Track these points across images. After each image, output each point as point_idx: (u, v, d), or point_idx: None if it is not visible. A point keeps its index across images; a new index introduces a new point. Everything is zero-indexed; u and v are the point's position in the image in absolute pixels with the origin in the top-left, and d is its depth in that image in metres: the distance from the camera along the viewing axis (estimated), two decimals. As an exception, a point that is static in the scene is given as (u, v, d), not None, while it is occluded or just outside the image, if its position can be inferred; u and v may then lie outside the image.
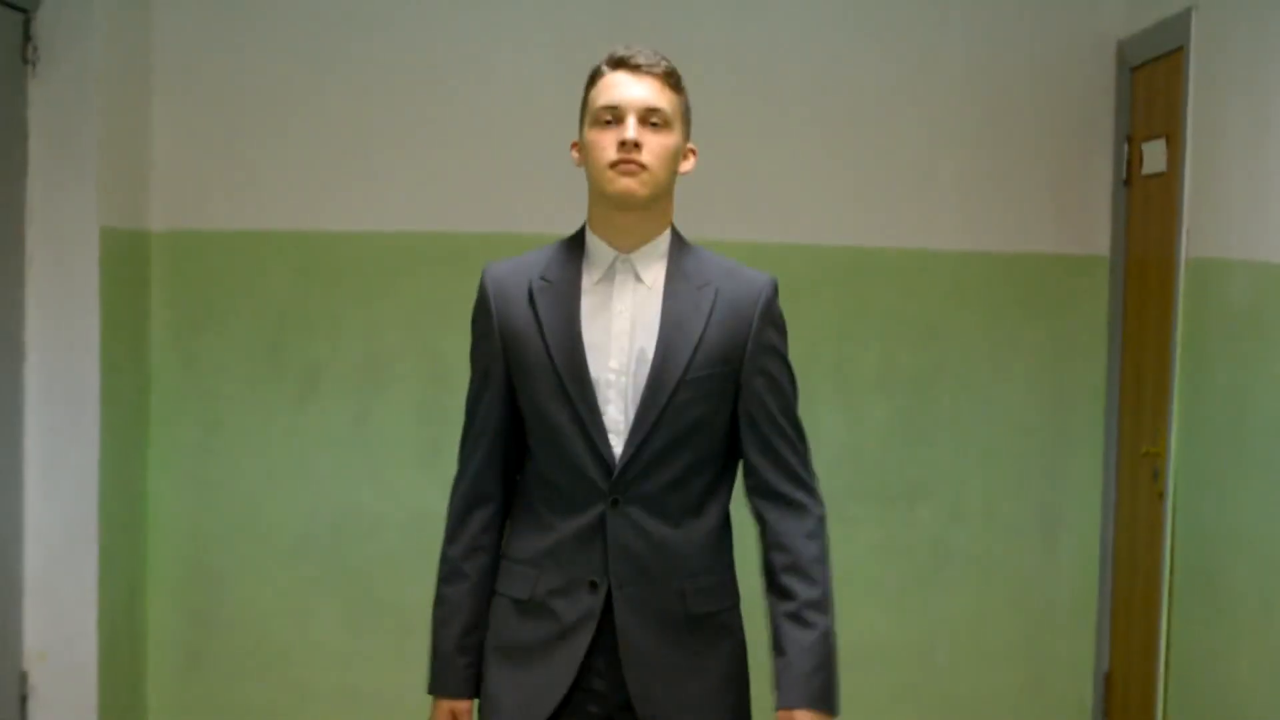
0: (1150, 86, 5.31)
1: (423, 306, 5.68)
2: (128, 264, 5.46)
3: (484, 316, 3.17)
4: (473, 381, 3.21)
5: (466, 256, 5.42)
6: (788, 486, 3.10)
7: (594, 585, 3.07)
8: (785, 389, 3.15)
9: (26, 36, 5.04)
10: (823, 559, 3.09)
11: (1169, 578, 4.89)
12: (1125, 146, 5.52)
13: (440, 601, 3.22)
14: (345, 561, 5.76)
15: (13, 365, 5.07)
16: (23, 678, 5.18)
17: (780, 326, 3.16)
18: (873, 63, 5.66)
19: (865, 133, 5.66)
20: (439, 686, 3.22)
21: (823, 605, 3.06)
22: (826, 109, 5.66)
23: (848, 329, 5.70)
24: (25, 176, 5.09)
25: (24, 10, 5.01)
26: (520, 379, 3.13)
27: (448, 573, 3.21)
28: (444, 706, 3.21)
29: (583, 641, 3.07)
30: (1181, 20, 4.91)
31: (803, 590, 3.05)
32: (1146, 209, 5.33)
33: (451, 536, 3.22)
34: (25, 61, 5.05)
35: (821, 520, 3.11)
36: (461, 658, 3.18)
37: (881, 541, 5.73)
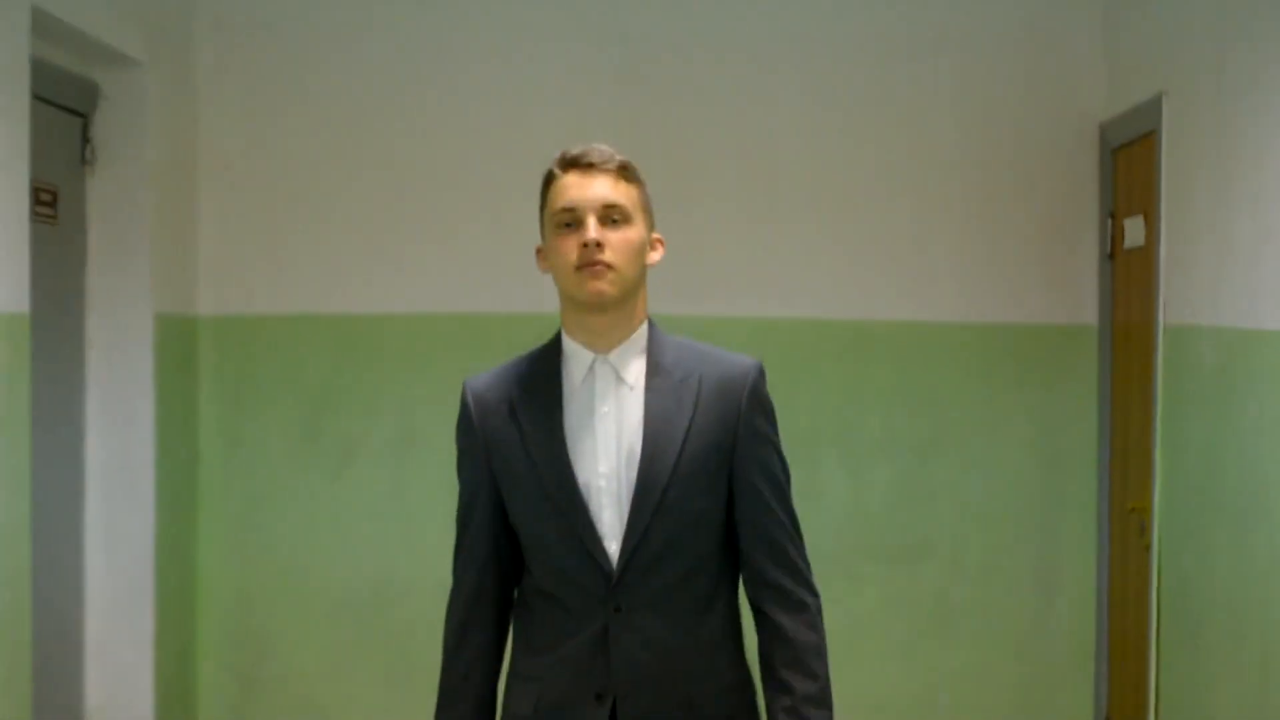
0: (1130, 166, 5.67)
1: (452, 383, 5.86)
2: (179, 347, 5.79)
3: (468, 433, 3.11)
4: (461, 498, 3.15)
5: (491, 335, 5.81)
6: (785, 579, 3.03)
7: (599, 698, 2.97)
8: (778, 477, 3.06)
9: (85, 139, 5.38)
10: (821, 652, 3.02)
11: (1156, 627, 5.19)
12: (1109, 222, 5.87)
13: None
14: (383, 624, 6.06)
15: (74, 442, 5.38)
16: (83, 736, 5.50)
17: (768, 411, 3.07)
18: (871, 148, 6.01)
19: (864, 214, 6.01)
20: None
21: (821, 700, 2.99)
22: (828, 193, 6.00)
23: (851, 398, 6.00)
24: (85, 267, 5.41)
25: (82, 115, 5.37)
26: (508, 493, 3.05)
27: (445, 699, 3.12)
28: None
29: None
30: (1154, 105, 5.26)
31: (801, 685, 2.98)
32: (1129, 280, 5.68)
33: (448, 662, 3.13)
34: (84, 162, 5.39)
35: (819, 612, 3.04)
36: None
37: (887, 597, 6.03)
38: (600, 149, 3.02)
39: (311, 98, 6.02)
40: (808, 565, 3.07)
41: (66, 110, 5.27)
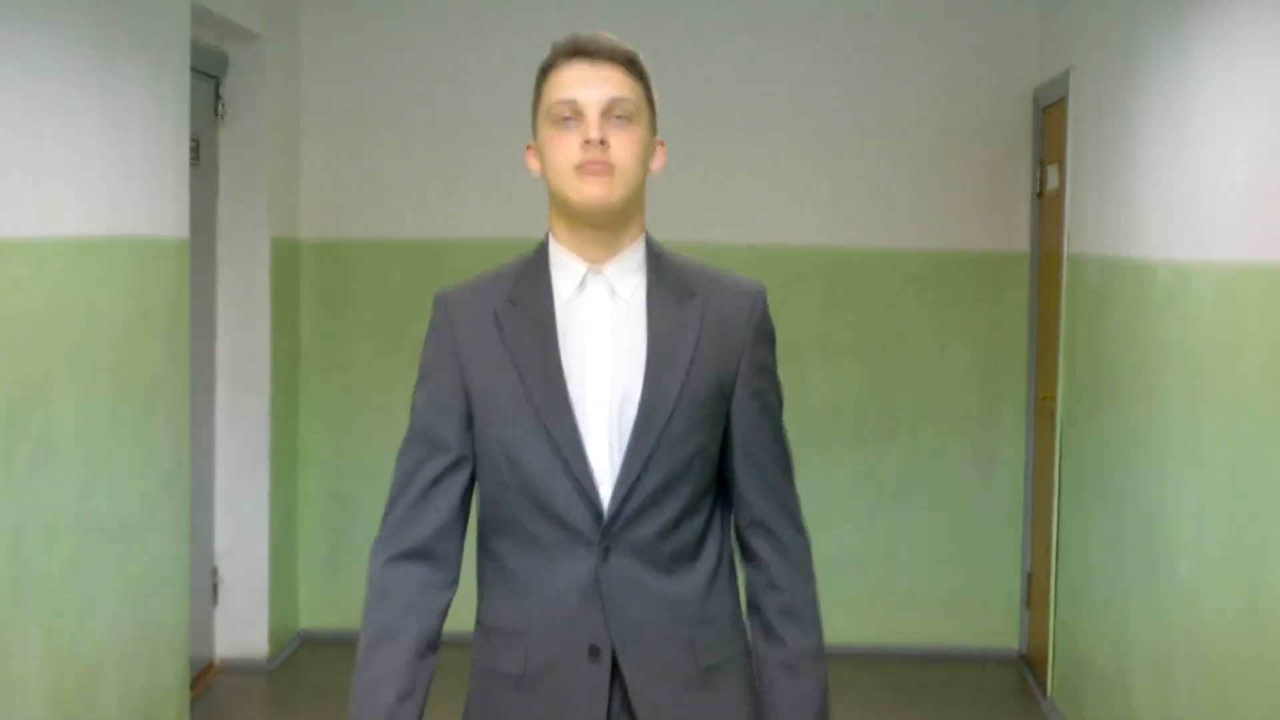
0: (1052, 123, 6.99)
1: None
2: (287, 265, 7.15)
3: (440, 348, 2.72)
4: (419, 416, 2.74)
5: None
6: (780, 520, 2.75)
7: (595, 650, 2.65)
8: (776, 410, 2.77)
9: (218, 97, 6.74)
10: (815, 602, 2.77)
11: (1058, 494, 6.56)
12: (1039, 169, 7.21)
13: (366, 665, 2.69)
14: (448, 491, 7.41)
15: (208, 341, 6.74)
16: (214, 570, 6.86)
17: (772, 340, 2.77)
18: (850, 106, 7.31)
19: (841, 161, 7.33)
20: None
21: (817, 654, 2.76)
22: (812, 143, 7.32)
23: (829, 310, 7.36)
24: (217, 201, 6.75)
25: (215, 79, 6.73)
26: (487, 415, 2.67)
27: (377, 633, 2.69)
28: None
29: (597, 716, 2.66)
30: (1065, 76, 6.60)
31: (797, 638, 2.74)
32: (1048, 217, 7.02)
33: (381, 592, 2.71)
34: (216, 115, 6.74)
35: (810, 555, 2.79)
36: None
37: (857, 473, 7.40)
38: (608, 36, 2.67)
39: (394, 59, 7.35)
40: (798, 502, 2.81)
41: (205, 75, 6.58)
